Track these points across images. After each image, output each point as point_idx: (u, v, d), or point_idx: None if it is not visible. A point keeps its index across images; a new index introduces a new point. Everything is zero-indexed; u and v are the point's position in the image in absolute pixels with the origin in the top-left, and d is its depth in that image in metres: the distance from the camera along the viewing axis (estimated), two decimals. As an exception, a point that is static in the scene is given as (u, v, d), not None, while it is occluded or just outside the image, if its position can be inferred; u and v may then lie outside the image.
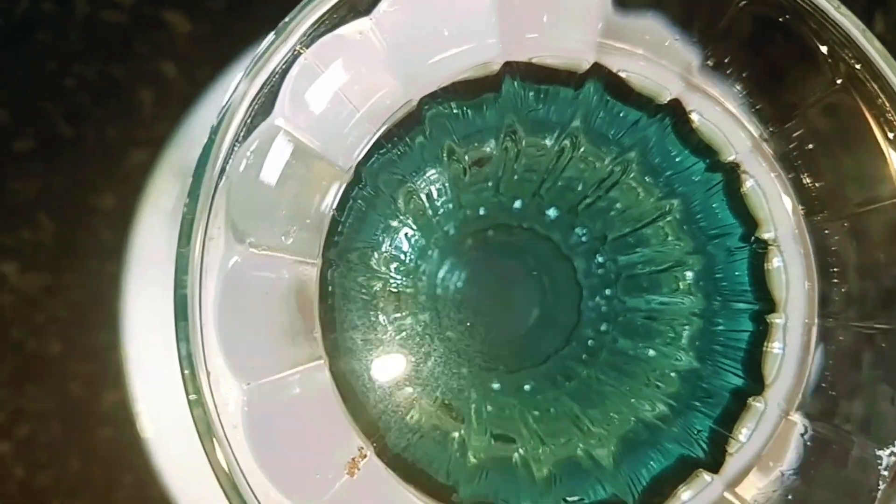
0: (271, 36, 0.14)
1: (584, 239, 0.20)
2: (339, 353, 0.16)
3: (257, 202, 0.15)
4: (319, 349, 0.15)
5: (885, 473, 0.15)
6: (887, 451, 0.15)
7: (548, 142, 0.18)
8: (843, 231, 0.16)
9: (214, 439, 0.13)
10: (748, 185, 0.16)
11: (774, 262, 0.16)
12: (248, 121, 0.14)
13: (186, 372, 0.13)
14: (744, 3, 0.15)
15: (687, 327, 0.18)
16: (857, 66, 0.15)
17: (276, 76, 0.14)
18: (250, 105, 0.14)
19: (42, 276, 0.31)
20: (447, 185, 0.19)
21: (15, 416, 0.30)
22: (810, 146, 0.16)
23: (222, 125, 0.14)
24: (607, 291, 0.20)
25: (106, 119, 0.31)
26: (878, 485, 0.15)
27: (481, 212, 0.20)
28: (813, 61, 0.15)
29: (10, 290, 0.31)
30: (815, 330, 0.16)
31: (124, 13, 0.31)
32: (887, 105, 0.15)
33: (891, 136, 0.15)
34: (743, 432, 0.17)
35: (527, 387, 0.20)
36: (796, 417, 0.16)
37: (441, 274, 0.20)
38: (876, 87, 0.15)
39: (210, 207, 0.14)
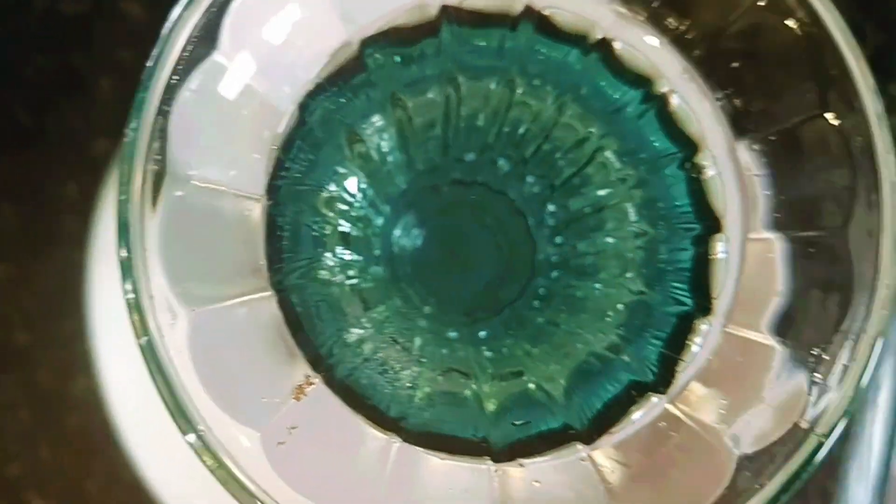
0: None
1: (535, 189, 0.21)
2: (287, 286, 0.16)
3: (201, 137, 0.15)
4: (265, 282, 0.15)
5: (818, 375, 0.15)
6: (817, 351, 0.16)
7: (487, 86, 0.18)
8: (772, 146, 0.16)
9: (158, 361, 0.14)
10: (675, 102, 0.17)
11: (710, 178, 0.17)
12: (188, 55, 0.15)
13: (130, 297, 0.14)
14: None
15: (632, 258, 0.18)
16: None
17: (215, 9, 0.15)
18: (189, 37, 0.14)
19: (6, 266, 0.31)
20: (394, 134, 0.19)
21: (-18, 407, 0.30)
22: (734, 65, 0.16)
23: (162, 55, 0.14)
24: (558, 239, 0.21)
25: (67, 108, 0.31)
26: (811, 383, 0.15)
27: (433, 165, 0.21)
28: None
29: (-27, 282, 0.31)
30: (752, 244, 0.16)
31: (83, 4, 0.32)
32: (804, 19, 0.15)
33: (814, 56, 0.16)
34: (690, 354, 0.17)
35: (482, 333, 0.20)
36: (732, 329, 0.16)
37: (395, 230, 0.21)
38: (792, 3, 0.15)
39: (150, 141, 0.14)
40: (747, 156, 0.16)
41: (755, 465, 0.15)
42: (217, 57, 0.15)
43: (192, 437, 0.14)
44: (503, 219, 0.21)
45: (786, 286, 0.16)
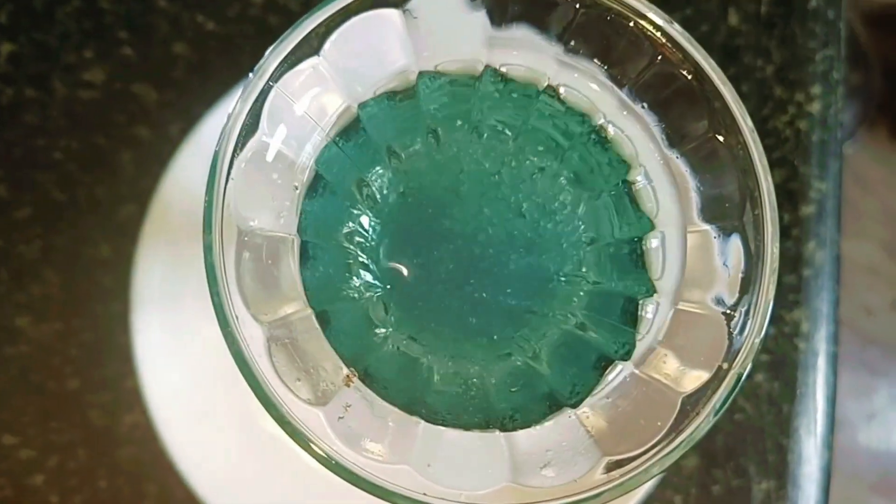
0: (250, 75, 0.19)
1: (500, 208, 0.26)
2: (321, 304, 0.21)
3: (255, 195, 0.20)
4: (304, 303, 0.20)
5: (731, 330, 0.21)
6: (737, 313, 0.21)
7: (459, 134, 0.24)
8: (690, 158, 0.22)
9: (249, 363, 0.18)
10: (611, 132, 0.22)
11: (640, 185, 0.22)
12: (241, 138, 0.20)
13: (221, 320, 0.18)
14: (582, 8, 0.21)
15: (588, 255, 0.24)
16: (668, 45, 0.21)
17: (258, 104, 0.20)
18: (242, 126, 0.19)
19: (53, 324, 0.35)
20: (390, 177, 0.24)
21: (44, 450, 0.34)
22: (647, 102, 0.22)
23: (223, 140, 0.19)
24: (525, 245, 0.26)
25: (94, 182, 0.35)
26: (728, 336, 0.21)
27: (420, 198, 0.25)
28: (637, 40, 0.21)
29: (26, 342, 0.35)
30: (683, 236, 0.22)
31: (98, 90, 0.36)
32: (692, 67, 0.21)
33: (699, 90, 0.21)
34: (644, 325, 0.22)
35: (472, 320, 0.25)
36: (683, 306, 0.22)
37: (396, 253, 0.26)
38: (681, 56, 0.21)
39: (222, 202, 0.19)
40: (680, 165, 0.22)
41: (693, 399, 0.20)
42: (260, 136, 0.20)
43: (276, 415, 0.18)
44: (480, 235, 0.26)
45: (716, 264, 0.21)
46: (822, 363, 0.40)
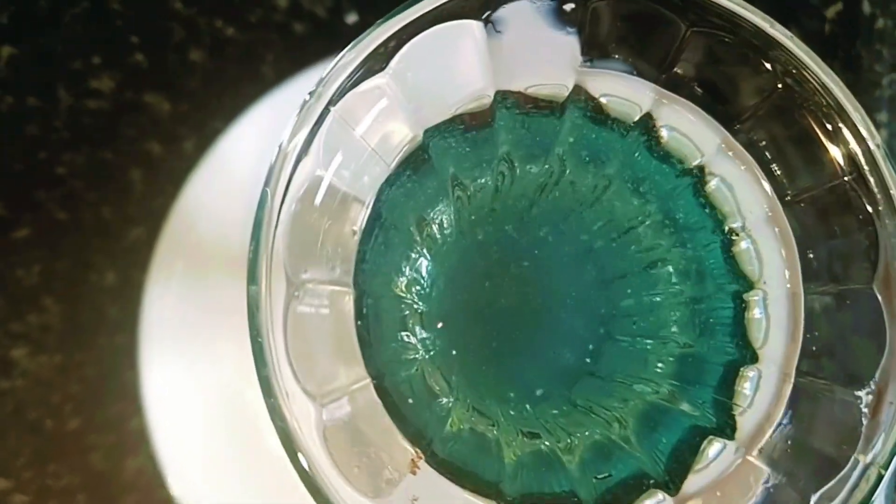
0: (307, 96, 0.16)
1: (573, 253, 0.23)
2: (380, 372, 0.18)
3: (305, 241, 0.17)
4: (362, 369, 0.17)
5: (866, 410, 0.17)
6: (864, 391, 0.18)
7: (537, 167, 0.20)
8: (805, 210, 0.18)
9: (300, 452, 0.15)
10: (712, 184, 0.19)
11: (743, 247, 0.19)
12: (292, 171, 0.16)
13: (270, 399, 0.15)
14: (692, 29, 0.18)
15: (676, 315, 0.20)
16: (794, 71, 0.18)
17: (313, 132, 0.17)
18: (295, 160, 0.16)
19: (53, 357, 0.32)
20: (452, 214, 0.21)
21: (40, 496, 0.31)
22: (763, 142, 0.18)
23: (272, 181, 0.16)
24: (600, 297, 0.23)
25: (100, 201, 0.33)
26: (862, 421, 0.17)
27: (480, 237, 0.22)
28: (756, 70, 0.18)
29: (22, 374, 0.32)
30: (794, 298, 0.19)
31: (106, 100, 0.33)
32: (822, 101, 0.18)
33: (829, 127, 0.18)
34: (742, 397, 0.19)
35: (538, 392, 0.22)
36: (791, 377, 0.18)
37: (450, 300, 0.23)
38: (811, 86, 0.18)
39: (270, 252, 0.16)
40: (785, 219, 0.19)
41: (823, 499, 0.17)
42: (314, 169, 0.17)
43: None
44: (545, 279, 0.23)
45: (827, 333, 0.18)
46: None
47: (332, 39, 0.34)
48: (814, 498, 0.17)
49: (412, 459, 0.17)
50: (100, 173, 0.33)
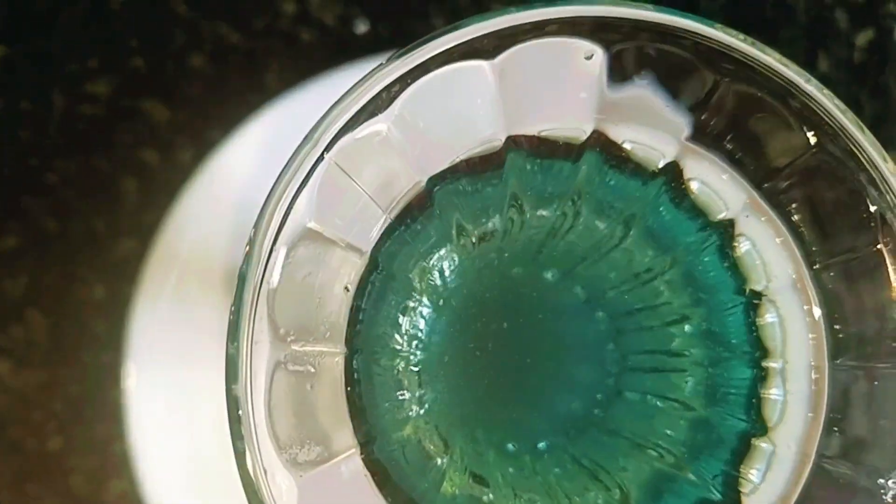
0: (301, 142, 0.15)
1: (583, 300, 0.21)
2: (371, 437, 0.16)
3: (293, 299, 0.16)
4: (351, 437, 0.16)
5: (891, 501, 0.16)
6: (891, 481, 0.16)
7: (549, 212, 0.19)
8: (835, 278, 0.17)
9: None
10: (743, 246, 0.18)
11: (767, 317, 0.18)
12: (282, 224, 0.15)
13: (243, 471, 0.14)
14: (727, 79, 0.16)
15: (690, 377, 0.19)
16: (829, 131, 0.16)
17: (306, 181, 0.15)
18: (285, 213, 0.15)
19: (37, 373, 0.31)
20: (456, 260, 0.20)
21: (18, 517, 0.30)
22: (794, 204, 0.17)
23: (260, 230, 0.15)
24: (610, 347, 0.21)
25: (91, 211, 0.31)
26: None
27: (485, 282, 0.21)
28: (790, 128, 0.17)
29: (4, 390, 0.31)
30: (820, 373, 0.17)
31: (102, 105, 0.32)
32: (861, 162, 0.16)
33: (864, 192, 0.17)
34: (753, 473, 0.18)
35: (540, 445, 0.21)
36: (811, 458, 0.17)
37: (452, 347, 0.21)
38: (847, 147, 0.16)
39: (253, 311, 0.15)
40: (812, 287, 0.17)
41: None
42: (304, 220, 0.16)
43: None
44: (550, 327, 0.22)
45: (853, 414, 0.17)
46: None
47: (339, 50, 0.33)
48: None
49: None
50: (92, 182, 0.31)
